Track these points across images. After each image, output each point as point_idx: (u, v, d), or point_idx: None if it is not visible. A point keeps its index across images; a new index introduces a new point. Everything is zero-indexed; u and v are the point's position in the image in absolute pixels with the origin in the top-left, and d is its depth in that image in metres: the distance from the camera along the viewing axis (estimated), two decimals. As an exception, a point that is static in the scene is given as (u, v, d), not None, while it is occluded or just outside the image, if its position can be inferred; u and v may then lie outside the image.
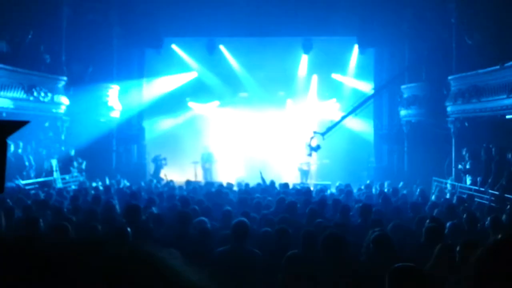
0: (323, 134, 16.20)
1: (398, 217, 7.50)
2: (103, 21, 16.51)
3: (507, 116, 12.28)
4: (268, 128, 20.31)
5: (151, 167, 18.43)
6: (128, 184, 14.36)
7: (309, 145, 16.18)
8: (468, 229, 6.79)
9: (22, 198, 9.06)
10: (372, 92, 17.18)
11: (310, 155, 16.36)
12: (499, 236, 1.64)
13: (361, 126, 19.08)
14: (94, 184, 13.82)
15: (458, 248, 4.28)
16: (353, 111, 16.71)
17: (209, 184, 13.63)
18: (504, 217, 7.87)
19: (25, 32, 14.35)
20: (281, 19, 16.19)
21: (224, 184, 12.75)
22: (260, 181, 13.27)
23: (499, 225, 6.57)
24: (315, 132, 16.43)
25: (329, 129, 16.34)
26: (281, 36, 17.92)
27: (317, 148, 16.14)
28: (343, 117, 16.84)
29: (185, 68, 20.07)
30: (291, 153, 18.98)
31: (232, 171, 18.96)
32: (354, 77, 19.50)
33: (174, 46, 19.30)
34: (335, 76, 20.25)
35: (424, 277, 2.76)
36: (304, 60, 19.63)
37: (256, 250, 4.74)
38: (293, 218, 6.79)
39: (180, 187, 13.19)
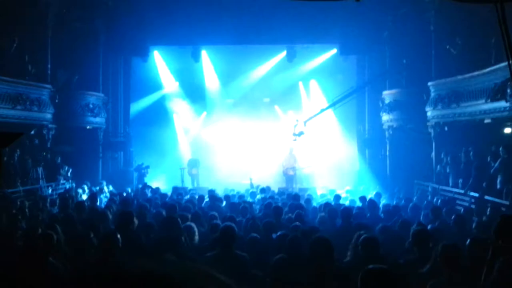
0: (305, 121, 17.31)
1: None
2: (89, 30, 16.58)
3: (485, 121, 12.64)
4: (254, 134, 20.50)
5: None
6: (114, 191, 14.41)
7: (294, 133, 17.28)
8: (457, 230, 7.05)
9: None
10: (352, 89, 17.61)
11: (295, 140, 17.46)
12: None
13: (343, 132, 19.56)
14: (80, 191, 13.85)
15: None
16: (333, 104, 17.30)
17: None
18: (484, 218, 8.21)
19: (11, 40, 14.37)
20: (264, 27, 16.46)
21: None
22: (249, 187, 13.50)
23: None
24: (297, 120, 17.51)
25: (311, 118, 17.46)
26: (264, 44, 18.21)
27: (300, 134, 17.21)
28: (324, 109, 17.55)
29: (170, 76, 20.27)
30: (277, 158, 19.19)
31: (219, 176, 19.07)
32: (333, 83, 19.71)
33: (158, 55, 19.49)
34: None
35: (394, 279, 2.84)
36: (288, 67, 19.93)
37: (244, 254, 4.91)
38: (278, 223, 6.98)
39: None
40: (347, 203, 10.60)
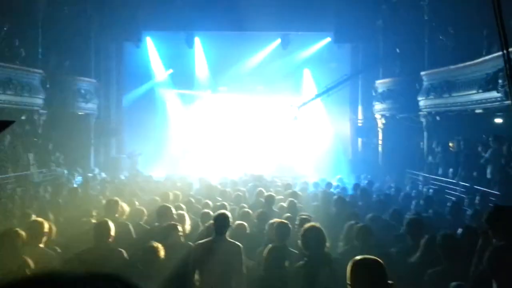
0: (299, 106, 17.90)
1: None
2: (81, 14, 16.38)
3: (477, 111, 12.73)
4: (247, 121, 20.45)
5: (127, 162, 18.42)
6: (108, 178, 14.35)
7: (288, 117, 18.00)
8: (452, 219, 7.12)
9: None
10: (346, 76, 17.69)
11: (292, 122, 18.08)
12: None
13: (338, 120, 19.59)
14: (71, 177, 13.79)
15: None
16: (326, 91, 17.46)
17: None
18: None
19: (1, 24, 14.15)
20: (259, 14, 16.31)
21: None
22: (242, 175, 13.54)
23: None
24: (292, 105, 18.05)
25: (304, 103, 18.01)
26: (258, 31, 18.11)
27: (294, 118, 17.89)
28: (317, 95, 17.94)
29: (163, 62, 20.10)
30: (272, 147, 19.21)
31: (212, 165, 19.02)
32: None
33: (151, 41, 19.32)
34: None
35: (383, 268, 2.86)
36: (282, 55, 19.85)
37: (237, 242, 4.95)
38: (270, 211, 7.00)
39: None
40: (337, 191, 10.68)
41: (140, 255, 4.49)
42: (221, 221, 4.96)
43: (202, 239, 5.12)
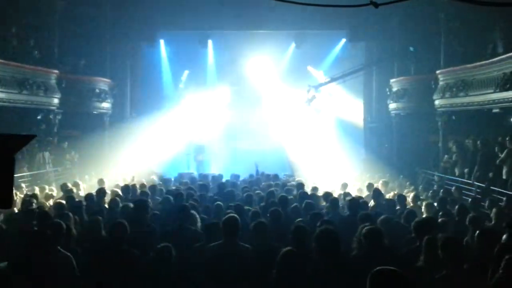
0: (316, 87, 18.06)
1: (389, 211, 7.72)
2: (97, 15, 16.52)
3: (494, 110, 12.51)
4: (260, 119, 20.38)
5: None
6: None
7: (307, 98, 18.07)
8: (459, 220, 7.01)
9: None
10: (362, 65, 17.98)
11: (309, 104, 18.18)
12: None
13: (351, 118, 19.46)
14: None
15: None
16: (342, 77, 17.59)
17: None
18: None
19: (20, 26, 14.34)
20: (272, 13, 16.26)
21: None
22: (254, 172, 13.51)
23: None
24: (309, 85, 18.10)
25: (321, 84, 18.23)
26: (272, 30, 18.09)
27: (312, 98, 17.98)
28: (334, 79, 17.92)
29: (177, 63, 20.15)
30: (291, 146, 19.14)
31: (224, 162, 19.07)
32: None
33: (165, 42, 19.44)
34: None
35: (405, 280, 2.79)
36: (295, 53, 19.80)
37: (247, 245, 4.90)
38: (285, 213, 6.92)
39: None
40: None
41: None
42: (231, 225, 4.89)
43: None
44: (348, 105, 19.66)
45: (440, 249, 4.34)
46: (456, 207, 7.56)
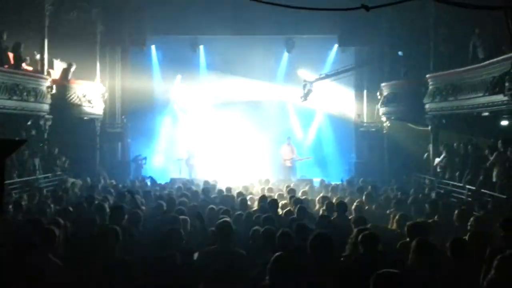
0: (311, 82, 17.93)
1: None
2: (86, 19, 16.45)
3: (483, 114, 12.63)
4: (252, 125, 20.37)
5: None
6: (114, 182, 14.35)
7: (304, 92, 17.92)
8: (458, 225, 7.02)
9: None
10: (353, 66, 18.11)
11: (305, 99, 18.08)
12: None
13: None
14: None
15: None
16: (335, 74, 17.73)
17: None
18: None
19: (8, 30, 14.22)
20: (264, 18, 16.30)
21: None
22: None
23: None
24: (305, 80, 18.10)
25: (316, 79, 18.08)
26: (263, 35, 18.15)
27: (308, 93, 17.86)
28: (329, 75, 18.00)
29: (169, 68, 20.10)
30: (274, 150, 19.17)
31: (214, 167, 18.98)
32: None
33: (155, 46, 19.42)
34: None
35: (407, 283, 2.82)
36: (286, 58, 19.90)
37: (241, 251, 4.89)
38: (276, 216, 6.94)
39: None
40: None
41: None
42: (224, 230, 4.88)
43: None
44: (340, 103, 19.77)
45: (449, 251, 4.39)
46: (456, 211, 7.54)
